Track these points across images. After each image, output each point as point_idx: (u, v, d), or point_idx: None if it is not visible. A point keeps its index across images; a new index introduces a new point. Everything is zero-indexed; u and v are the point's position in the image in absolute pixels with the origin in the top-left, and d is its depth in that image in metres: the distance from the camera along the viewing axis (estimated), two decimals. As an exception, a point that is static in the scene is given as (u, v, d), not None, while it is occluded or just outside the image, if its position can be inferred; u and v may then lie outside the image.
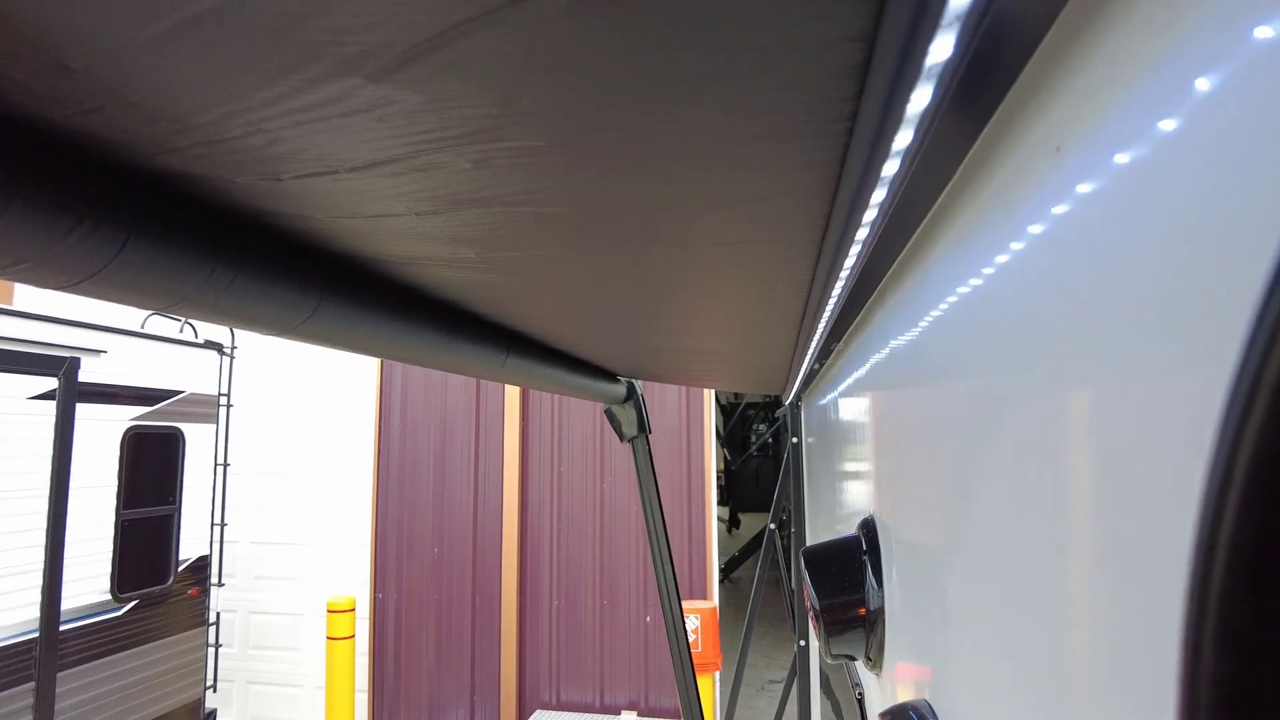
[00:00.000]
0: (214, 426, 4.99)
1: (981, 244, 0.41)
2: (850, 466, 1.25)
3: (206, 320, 0.67)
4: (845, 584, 0.85)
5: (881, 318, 0.79)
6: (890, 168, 0.40)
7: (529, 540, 6.01)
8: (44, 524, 3.78)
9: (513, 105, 0.42)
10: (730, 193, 0.55)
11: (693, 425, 5.90)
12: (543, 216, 0.64)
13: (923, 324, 0.58)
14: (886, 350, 0.78)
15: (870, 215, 0.47)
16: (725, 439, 13.31)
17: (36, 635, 3.69)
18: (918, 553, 0.68)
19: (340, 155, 0.50)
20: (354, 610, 5.51)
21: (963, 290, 0.47)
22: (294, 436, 6.40)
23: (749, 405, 14.53)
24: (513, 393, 6.08)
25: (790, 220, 0.61)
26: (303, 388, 6.41)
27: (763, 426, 15.96)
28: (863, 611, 0.84)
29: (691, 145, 0.46)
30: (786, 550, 4.08)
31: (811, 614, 0.88)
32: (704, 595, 5.70)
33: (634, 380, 2.07)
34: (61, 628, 3.82)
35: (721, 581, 7.91)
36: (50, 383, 3.85)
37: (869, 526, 0.89)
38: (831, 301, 0.79)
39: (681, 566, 5.73)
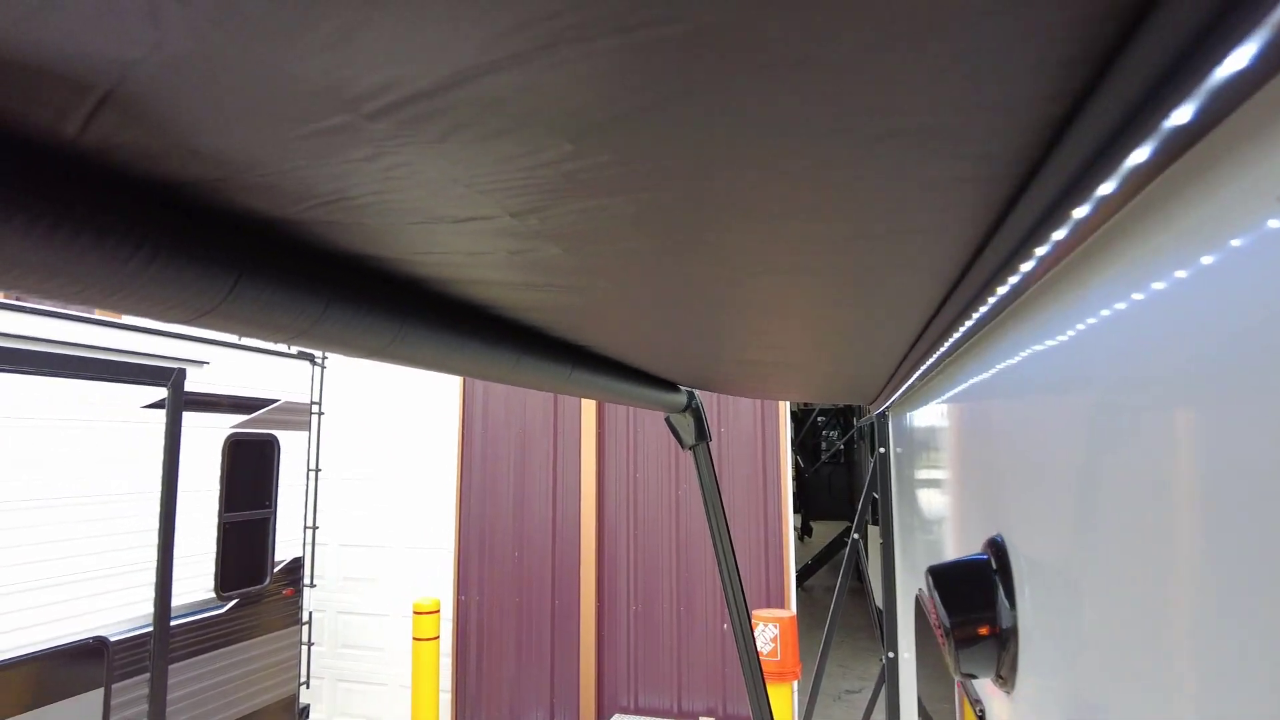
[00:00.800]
0: (306, 433, 5.20)
1: (1157, 268, 0.42)
2: (962, 482, 1.23)
3: (309, 348, 0.74)
4: (976, 603, 0.85)
5: (1017, 333, 0.79)
6: (1080, 211, 0.41)
7: (606, 546, 6.08)
8: (155, 525, 4.00)
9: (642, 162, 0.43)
10: (884, 227, 0.56)
11: (768, 432, 5.87)
12: (639, 253, 0.66)
13: (1070, 339, 0.58)
14: (1019, 365, 0.78)
15: (1043, 250, 0.48)
16: (797, 446, 13.16)
17: (151, 629, 3.91)
18: (1056, 573, 0.68)
19: (442, 211, 0.54)
20: (438, 612, 5.65)
21: (1121, 308, 0.47)
22: (380, 443, 6.62)
23: (820, 412, 14.35)
24: (589, 402, 6.17)
25: (937, 250, 0.62)
26: (389, 396, 6.62)
27: (834, 434, 15.74)
28: (994, 630, 0.84)
29: (858, 190, 0.47)
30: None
31: (939, 631, 0.89)
32: (781, 604, 5.66)
33: (694, 390, 2.10)
34: (172, 623, 4.04)
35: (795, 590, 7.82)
36: (160, 392, 4.07)
37: (998, 546, 0.88)
38: (968, 324, 0.80)
39: (758, 575, 5.71)
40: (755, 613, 5.03)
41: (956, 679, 1.06)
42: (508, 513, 6.29)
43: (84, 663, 3.58)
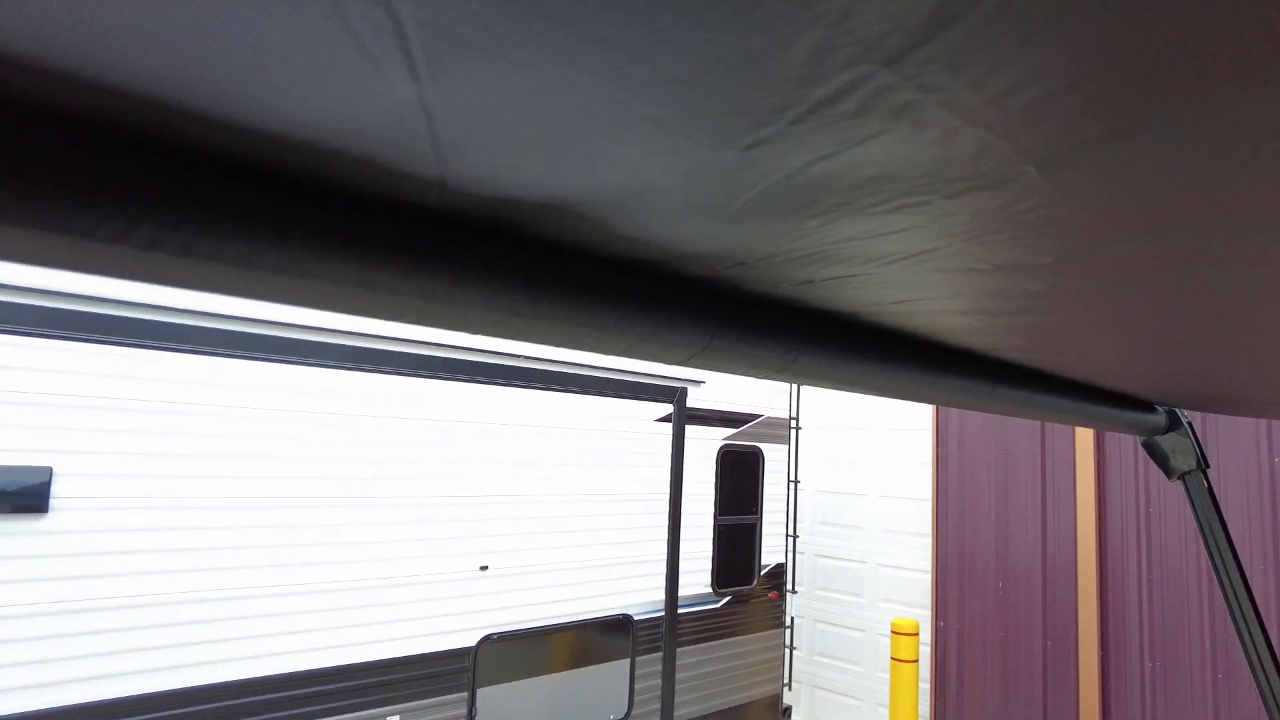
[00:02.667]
0: (786, 447, 5.52)
1: None
2: None
3: (714, 370, 0.85)
4: None
5: None
6: None
7: (1110, 588, 5.28)
8: (665, 522, 4.62)
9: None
10: None
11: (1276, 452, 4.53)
12: (1127, 275, 0.61)
13: None
14: None
15: None
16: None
17: (663, 614, 4.52)
18: None
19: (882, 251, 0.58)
20: (917, 634, 5.51)
21: None
22: (851, 458, 6.72)
23: None
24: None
25: None
26: (859, 412, 6.70)
27: None
28: None
29: None
30: None
31: None
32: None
33: (1177, 409, 1.74)
34: (679, 611, 4.61)
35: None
36: (666, 408, 4.70)
37: None
38: None
39: (1339, 650, 4.41)
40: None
41: None
42: (988, 540, 5.87)
43: (615, 635, 4.28)
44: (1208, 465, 1.79)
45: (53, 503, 2.65)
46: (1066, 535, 5.49)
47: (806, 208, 0.50)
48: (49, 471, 2.65)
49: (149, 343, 2.86)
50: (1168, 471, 1.81)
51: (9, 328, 2.59)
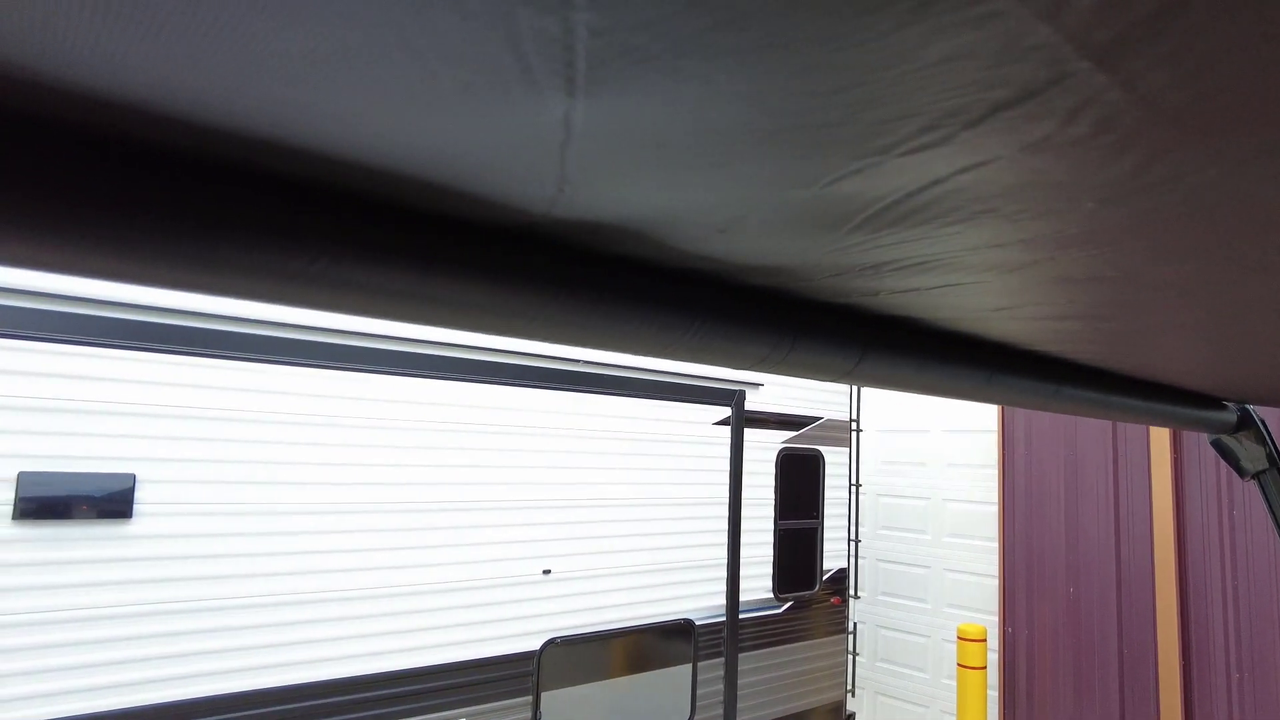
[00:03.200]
0: (846, 450, 5.44)
1: None
2: None
3: (856, 384, 0.92)
4: None
5: None
6: None
7: (1191, 595, 5.08)
8: (725, 527, 4.59)
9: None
10: None
11: None
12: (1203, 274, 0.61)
13: None
14: None
15: None
16: None
17: (724, 619, 4.49)
18: None
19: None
20: (985, 641, 5.37)
21: None
22: (913, 461, 6.59)
23: None
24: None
25: None
26: (921, 414, 6.57)
27: None
28: None
29: None
30: None
31: None
32: None
33: (1248, 405, 1.66)
34: (741, 616, 4.58)
35: None
36: (725, 411, 4.67)
37: None
38: None
39: None
40: None
41: None
42: (1058, 544, 5.69)
43: (677, 639, 4.26)
44: None
45: (136, 508, 2.75)
46: (1142, 539, 5.29)
47: (936, 219, 0.48)
48: (132, 478, 2.75)
49: (230, 353, 2.95)
50: (1240, 471, 1.73)
51: (91, 339, 2.70)
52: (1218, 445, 1.73)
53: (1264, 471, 1.70)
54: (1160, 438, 5.23)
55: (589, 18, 0.27)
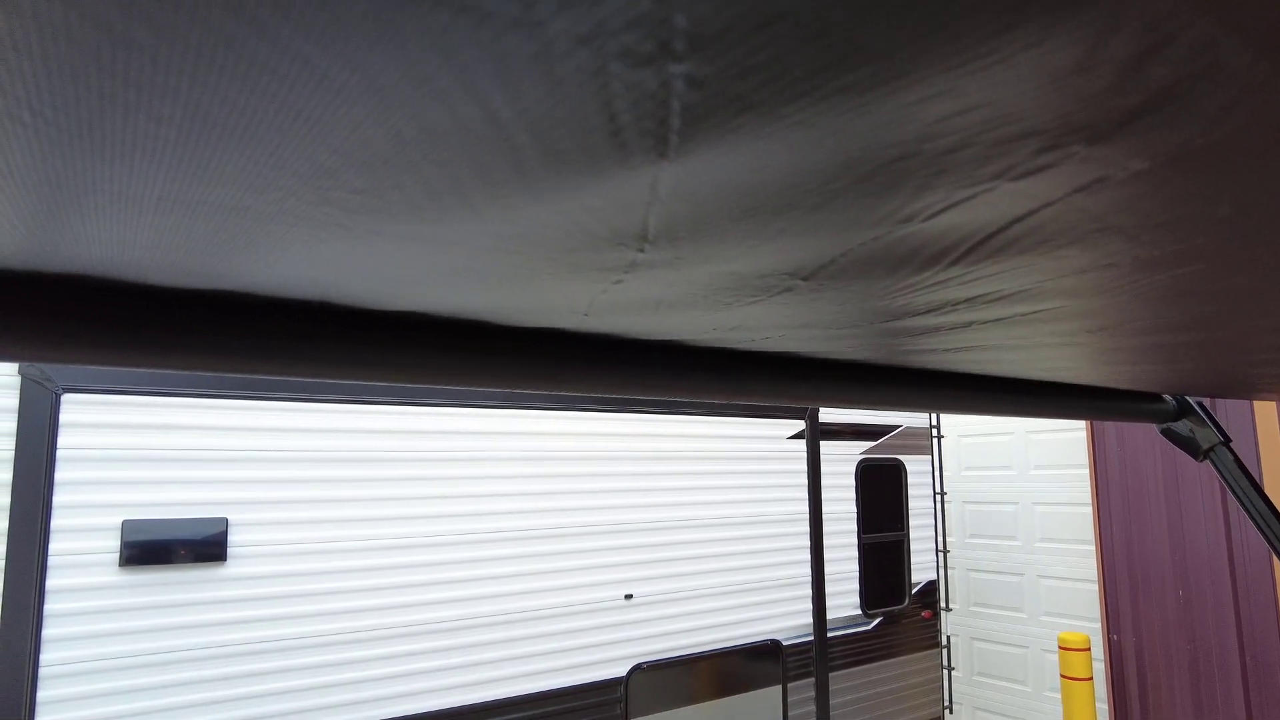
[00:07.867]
0: (929, 458, 5.27)
1: None
2: None
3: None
4: None
5: None
6: None
7: (1315, 595, 4.74)
8: (807, 544, 4.48)
9: None
10: None
11: None
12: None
13: None
14: None
15: None
16: None
17: (812, 638, 4.37)
18: None
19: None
20: (1088, 650, 5.11)
21: None
22: (999, 465, 6.35)
23: None
24: (1264, 407, 4.94)
25: None
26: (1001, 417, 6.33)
27: None
28: None
29: None
30: None
31: None
32: None
33: (1183, 394, 1.76)
34: (829, 634, 4.45)
35: None
36: (799, 425, 4.58)
37: None
38: None
39: None
40: None
41: None
42: (1161, 545, 5.39)
43: (764, 661, 4.17)
44: (1229, 439, 1.80)
45: (230, 550, 2.83)
46: (1254, 535, 4.97)
47: (1040, 245, 0.45)
48: (225, 522, 2.83)
49: (313, 397, 3.03)
50: (1193, 453, 1.82)
51: (180, 390, 2.80)
52: (1167, 434, 1.83)
53: (1213, 448, 1.81)
54: (1270, 426, 4.91)
55: (689, 68, 0.24)
